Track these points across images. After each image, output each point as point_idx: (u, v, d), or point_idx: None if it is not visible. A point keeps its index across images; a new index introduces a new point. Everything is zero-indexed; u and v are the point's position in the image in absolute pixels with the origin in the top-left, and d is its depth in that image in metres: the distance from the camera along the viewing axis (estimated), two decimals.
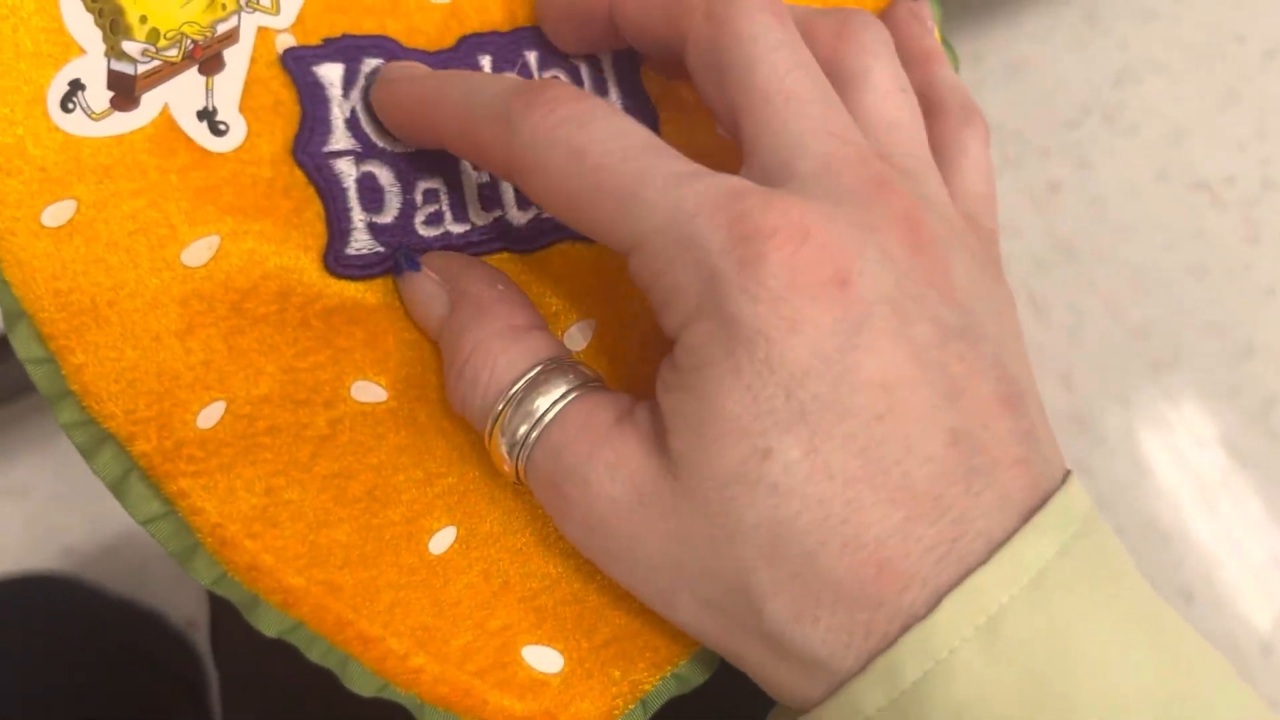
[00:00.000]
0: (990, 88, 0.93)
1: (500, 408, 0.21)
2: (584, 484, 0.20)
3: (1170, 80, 0.95)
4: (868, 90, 0.22)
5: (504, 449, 0.21)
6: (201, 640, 0.66)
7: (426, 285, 0.22)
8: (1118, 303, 0.91)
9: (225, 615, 0.41)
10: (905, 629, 0.18)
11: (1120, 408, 0.89)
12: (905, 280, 0.19)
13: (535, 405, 0.20)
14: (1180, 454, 0.88)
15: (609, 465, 0.19)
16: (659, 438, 0.19)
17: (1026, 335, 0.21)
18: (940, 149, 0.23)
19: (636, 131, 0.19)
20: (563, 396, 0.20)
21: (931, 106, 0.24)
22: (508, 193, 0.24)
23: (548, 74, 0.25)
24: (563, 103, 0.19)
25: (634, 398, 0.21)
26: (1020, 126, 0.93)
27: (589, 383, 0.21)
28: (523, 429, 0.20)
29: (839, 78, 0.22)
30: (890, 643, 0.18)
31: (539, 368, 0.21)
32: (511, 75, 0.22)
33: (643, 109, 0.25)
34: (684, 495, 0.19)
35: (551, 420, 0.20)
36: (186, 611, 0.72)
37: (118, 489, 0.21)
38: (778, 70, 0.20)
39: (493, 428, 0.21)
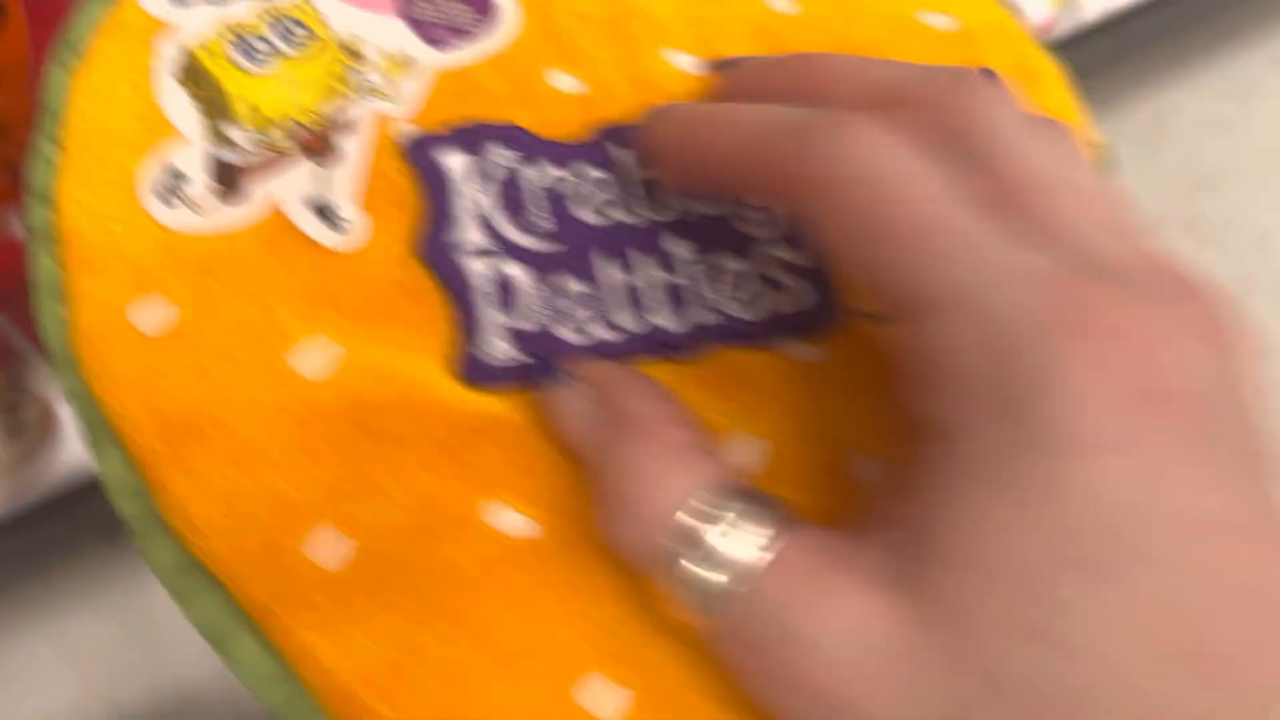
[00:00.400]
0: None
1: (673, 545, 0.17)
2: (810, 652, 0.16)
3: (1248, 187, 0.93)
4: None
5: (683, 595, 0.17)
6: None
7: (573, 399, 0.19)
8: None
9: None
10: None
11: None
12: (1217, 397, 0.16)
13: (728, 549, 0.17)
14: None
15: (839, 626, 0.16)
16: (900, 575, 0.16)
17: None
18: None
19: (967, 180, 0.17)
20: (768, 540, 0.17)
21: None
22: (661, 297, 0.21)
23: None
24: (884, 129, 0.17)
25: (843, 535, 0.17)
26: None
27: (788, 519, 0.17)
28: (713, 577, 0.17)
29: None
30: None
31: (725, 499, 0.17)
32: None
33: None
34: (948, 652, 0.15)
35: (753, 569, 0.17)
36: None
37: (221, 643, 0.17)
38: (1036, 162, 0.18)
39: (667, 568, 0.17)
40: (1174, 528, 0.15)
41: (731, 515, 0.17)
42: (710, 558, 0.17)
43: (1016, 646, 0.15)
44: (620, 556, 0.19)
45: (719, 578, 0.17)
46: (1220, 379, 0.16)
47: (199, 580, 0.17)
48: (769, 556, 0.17)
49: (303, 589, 0.17)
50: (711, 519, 0.17)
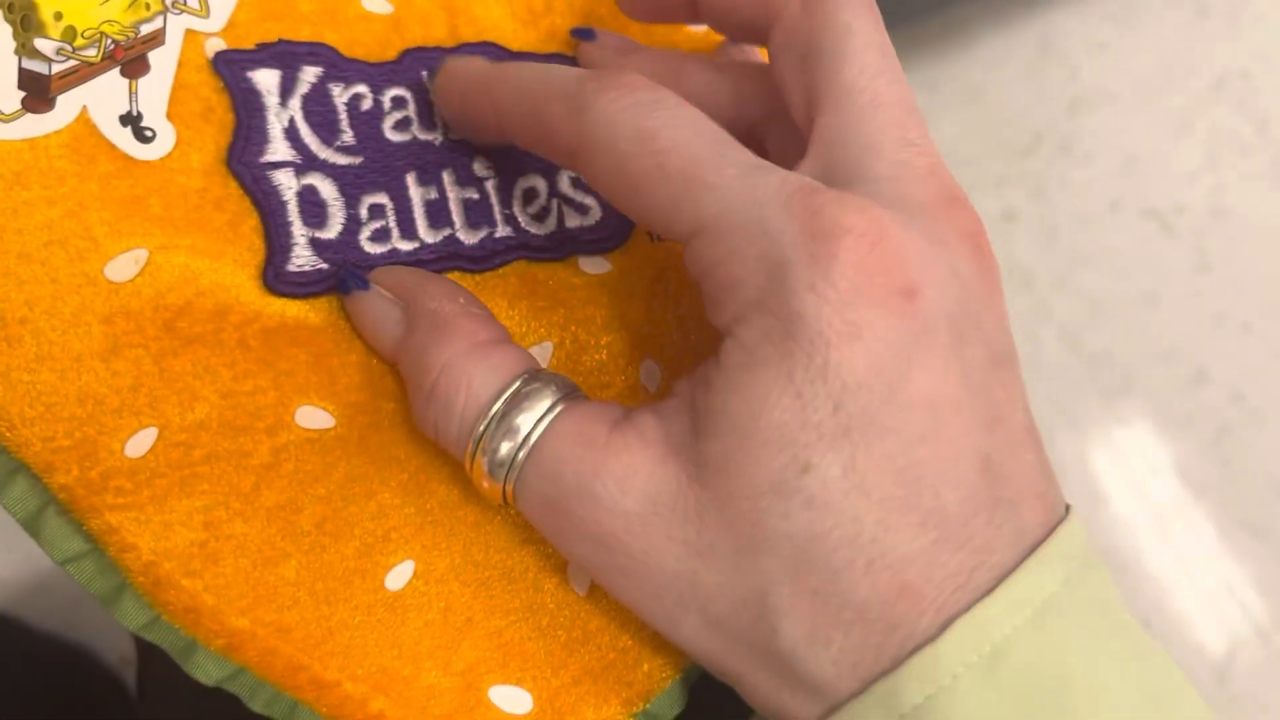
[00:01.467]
0: (945, 116, 0.93)
1: (482, 428, 0.19)
2: (592, 500, 0.19)
3: (1122, 109, 0.96)
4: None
5: (486, 470, 0.19)
6: (134, 679, 0.64)
7: (378, 304, 0.21)
8: (1072, 331, 0.91)
9: (154, 660, 0.39)
10: (912, 654, 0.17)
11: (1075, 435, 0.89)
12: (967, 299, 0.18)
13: (519, 422, 0.19)
14: (1135, 482, 0.88)
15: (618, 478, 0.19)
16: (678, 442, 0.19)
17: None
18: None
19: (706, 122, 0.19)
20: (548, 410, 0.19)
21: None
22: (457, 210, 0.23)
23: None
24: (637, 88, 0.19)
25: (622, 405, 0.20)
26: (974, 155, 0.93)
27: (572, 393, 0.20)
28: (506, 448, 0.19)
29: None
30: (895, 666, 0.17)
31: (517, 382, 0.20)
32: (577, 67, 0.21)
33: None
34: (711, 502, 0.18)
35: (540, 437, 0.19)
36: (119, 649, 0.69)
37: (32, 525, 0.19)
38: (866, 69, 0.20)
39: (474, 450, 0.20)
40: (905, 403, 0.17)
41: (529, 397, 0.19)
42: (507, 432, 0.19)
43: (770, 501, 0.18)
44: (416, 446, 0.21)
45: (509, 445, 0.19)
46: (966, 280, 0.18)
47: (9, 467, 0.19)
48: (548, 421, 0.19)
49: (109, 475, 0.19)
50: (515, 401, 0.19)
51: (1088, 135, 0.95)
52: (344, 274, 0.21)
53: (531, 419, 0.19)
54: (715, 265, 0.18)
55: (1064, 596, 0.18)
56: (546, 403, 0.19)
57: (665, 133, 0.18)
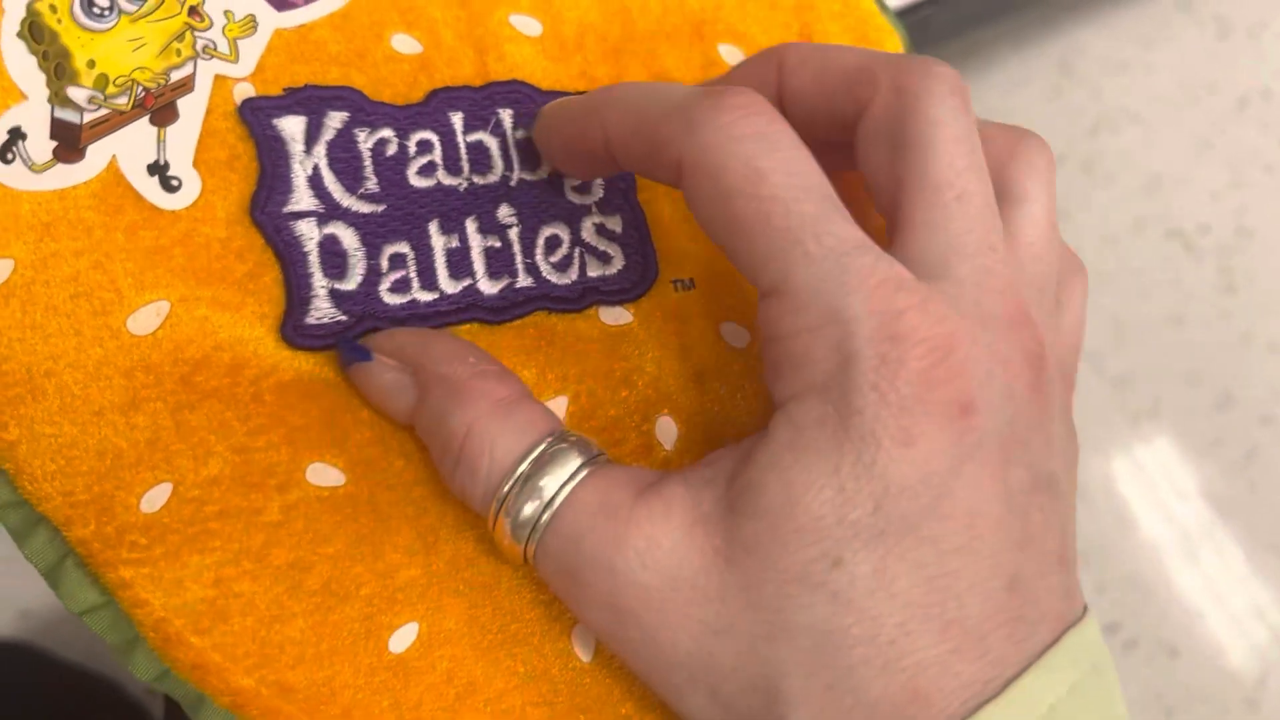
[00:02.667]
0: None
1: (506, 489, 0.19)
2: (610, 572, 0.19)
3: (1144, 130, 0.95)
4: (1026, 217, 0.21)
5: (509, 531, 0.19)
6: (158, 709, 0.64)
7: (384, 374, 0.20)
8: (1096, 353, 0.90)
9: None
10: None
11: (1100, 458, 0.88)
12: (1018, 421, 0.19)
13: (542, 484, 0.19)
14: (1161, 505, 0.87)
15: (638, 551, 0.18)
16: (707, 516, 0.18)
17: None
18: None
19: (817, 174, 0.19)
20: (572, 476, 0.19)
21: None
22: (479, 259, 0.22)
23: (521, 133, 0.23)
24: (753, 113, 0.18)
25: (644, 471, 0.20)
26: None
27: (596, 457, 0.20)
28: (529, 509, 0.19)
29: (1002, 194, 0.21)
30: None
31: (543, 445, 0.20)
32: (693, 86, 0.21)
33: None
34: (735, 583, 0.18)
35: (563, 503, 0.19)
36: (143, 681, 0.69)
37: (52, 577, 0.19)
38: (955, 165, 0.19)
39: (498, 510, 0.19)
40: (946, 514, 0.18)
41: (554, 459, 0.19)
42: (531, 495, 0.19)
43: (795, 590, 0.17)
44: (425, 505, 0.21)
45: (533, 507, 0.19)
46: (1021, 403, 0.19)
47: (30, 517, 0.19)
48: (570, 487, 0.19)
49: (124, 530, 0.19)
50: (540, 464, 0.19)
51: (1110, 155, 0.94)
52: (342, 347, 0.21)
53: (555, 483, 0.19)
54: (789, 335, 0.18)
55: (1069, 703, 0.18)
56: (572, 467, 0.19)
57: (777, 179, 0.18)
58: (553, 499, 0.19)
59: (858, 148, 0.21)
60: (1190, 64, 0.97)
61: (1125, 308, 0.91)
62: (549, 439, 0.20)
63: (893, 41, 0.29)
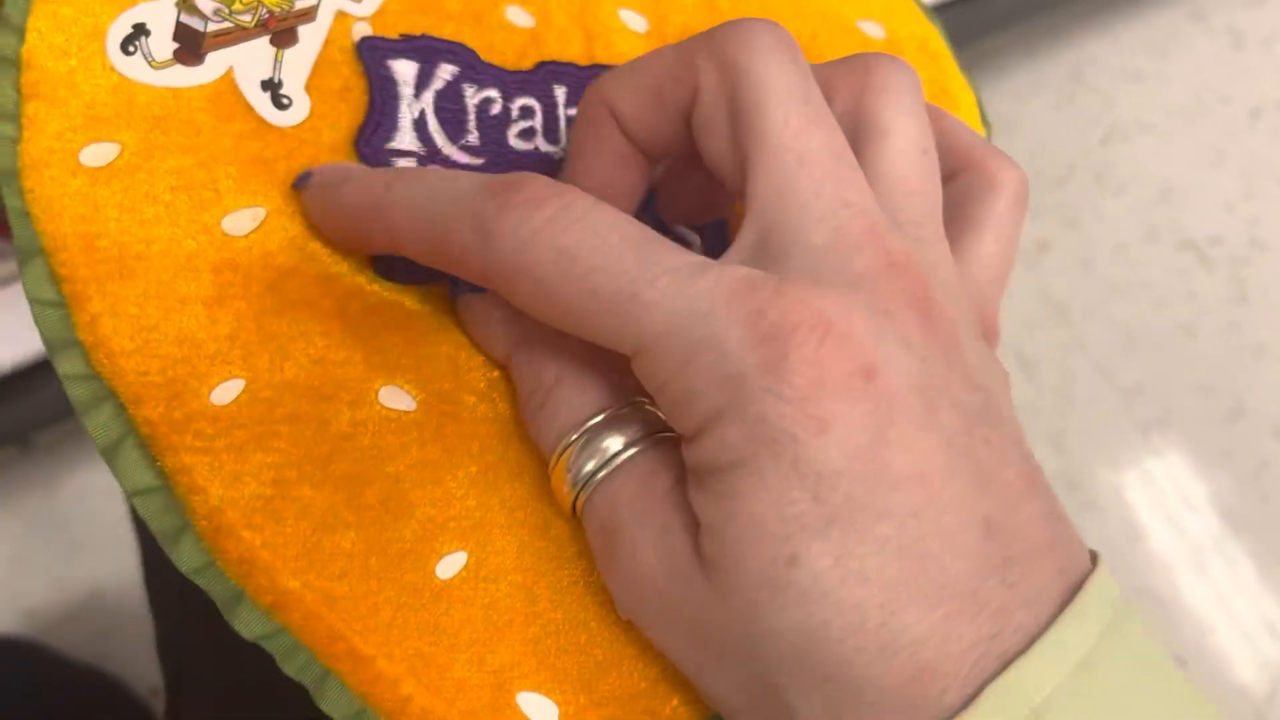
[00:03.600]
0: None
1: (573, 438, 0.20)
2: (632, 546, 0.19)
3: (1157, 140, 0.95)
4: (888, 149, 0.20)
5: (568, 480, 0.20)
6: (162, 709, 0.64)
7: (494, 312, 0.21)
8: (1108, 363, 0.90)
9: (181, 691, 0.39)
10: None
11: (1110, 470, 0.88)
12: (926, 365, 0.18)
13: (606, 444, 0.19)
14: (1172, 517, 0.87)
15: (657, 532, 0.19)
16: (692, 525, 0.18)
17: (1016, 396, 0.21)
18: (961, 211, 0.22)
19: (626, 225, 0.18)
20: (633, 443, 0.19)
21: (957, 161, 0.23)
22: None
23: None
24: (542, 201, 0.18)
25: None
26: None
27: (659, 432, 0.20)
28: (589, 465, 0.20)
29: (859, 130, 0.20)
30: None
31: (615, 408, 0.20)
32: (475, 174, 0.20)
33: None
34: (714, 593, 0.18)
35: (617, 468, 0.19)
36: (149, 679, 0.69)
37: (110, 452, 0.19)
38: (790, 123, 0.19)
39: (560, 456, 0.20)
40: (892, 483, 0.17)
41: (621, 425, 0.20)
42: (593, 450, 0.20)
43: (762, 595, 0.17)
44: (490, 443, 0.21)
45: (592, 464, 0.19)
46: (919, 348, 0.18)
47: (99, 393, 0.19)
48: (626, 455, 0.19)
49: (191, 417, 0.19)
50: (608, 424, 0.20)
51: (1122, 166, 0.94)
52: (454, 282, 0.21)
53: (617, 444, 0.19)
54: (668, 381, 0.18)
55: (1102, 650, 0.17)
56: (633, 435, 0.20)
57: (586, 250, 0.18)
58: (611, 459, 0.19)
59: (698, 141, 0.20)
60: (1203, 74, 0.97)
61: (1136, 318, 0.91)
62: (627, 404, 0.20)
63: (966, 99, 0.29)
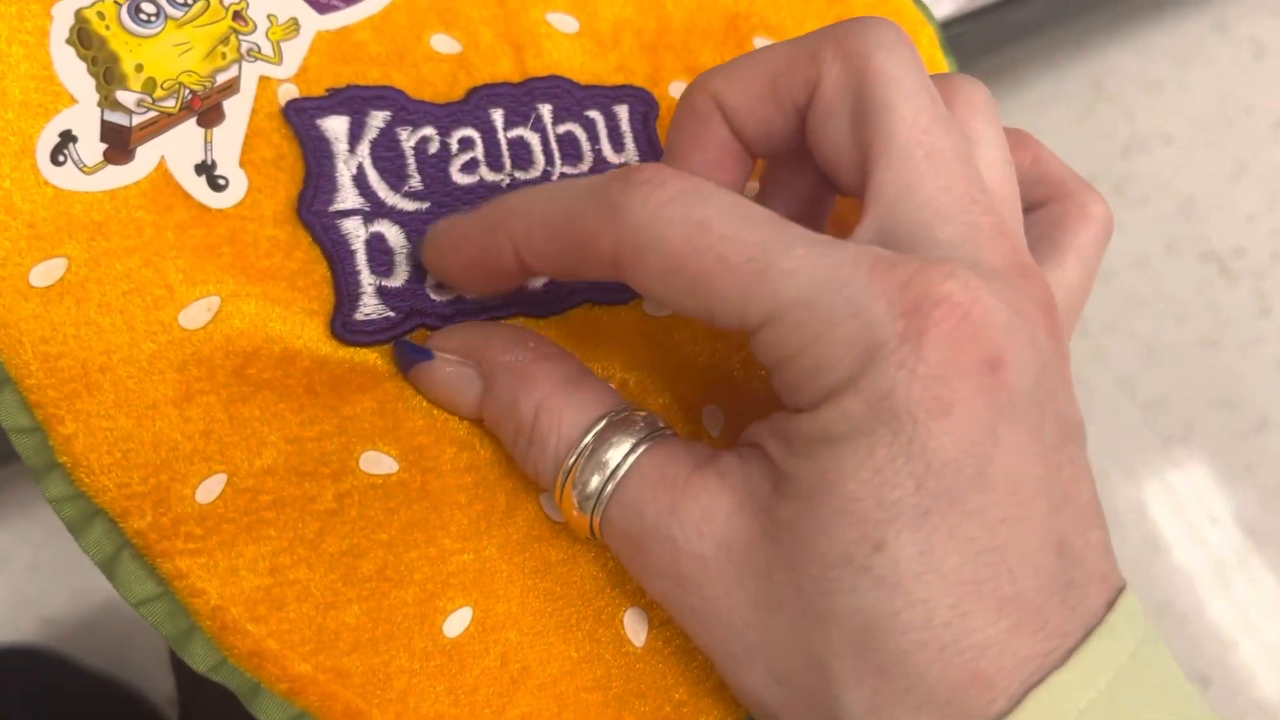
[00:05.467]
0: None
1: (571, 462, 0.20)
2: (669, 541, 0.19)
3: (1178, 151, 0.95)
4: (980, 158, 0.20)
5: (575, 502, 0.20)
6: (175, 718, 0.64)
7: (446, 369, 0.21)
8: (1129, 376, 0.89)
9: (196, 700, 0.38)
10: None
11: (1132, 484, 0.87)
12: (1044, 370, 0.18)
13: (607, 457, 0.19)
14: (1194, 532, 0.86)
15: (694, 521, 0.18)
16: (755, 491, 0.18)
17: None
18: (1049, 236, 0.23)
19: (752, 205, 0.18)
20: (634, 448, 0.19)
21: (1050, 190, 0.23)
22: None
23: (562, 128, 0.24)
24: (667, 179, 0.18)
25: (711, 447, 0.20)
26: None
27: (658, 430, 0.20)
28: (594, 481, 0.19)
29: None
30: None
31: (606, 419, 0.20)
32: (594, 176, 0.20)
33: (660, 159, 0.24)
34: (781, 562, 0.18)
35: (625, 474, 0.19)
36: (166, 689, 0.69)
37: (109, 568, 0.19)
38: (920, 120, 0.19)
39: (564, 482, 0.20)
40: (990, 484, 0.17)
41: (616, 432, 0.20)
42: (596, 467, 0.19)
43: (838, 573, 0.17)
44: (477, 492, 0.21)
45: (598, 479, 0.19)
46: (1044, 352, 0.18)
47: (87, 510, 0.19)
48: (633, 459, 0.19)
49: (180, 521, 0.19)
50: (604, 436, 0.20)
51: (1143, 177, 0.94)
52: (400, 349, 0.21)
53: (619, 454, 0.19)
54: (797, 352, 0.18)
55: (1132, 668, 0.18)
56: (633, 439, 0.20)
57: (718, 222, 0.17)
58: (616, 470, 0.19)
59: (812, 133, 0.20)
60: (1225, 85, 0.96)
61: (1158, 331, 0.90)
62: (612, 413, 0.20)
63: (926, 34, 0.29)
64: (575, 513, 0.20)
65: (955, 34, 0.69)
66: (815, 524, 0.17)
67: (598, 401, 0.20)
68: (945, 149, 0.19)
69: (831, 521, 0.17)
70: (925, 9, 0.29)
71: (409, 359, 0.21)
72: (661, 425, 0.20)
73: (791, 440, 0.18)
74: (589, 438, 0.20)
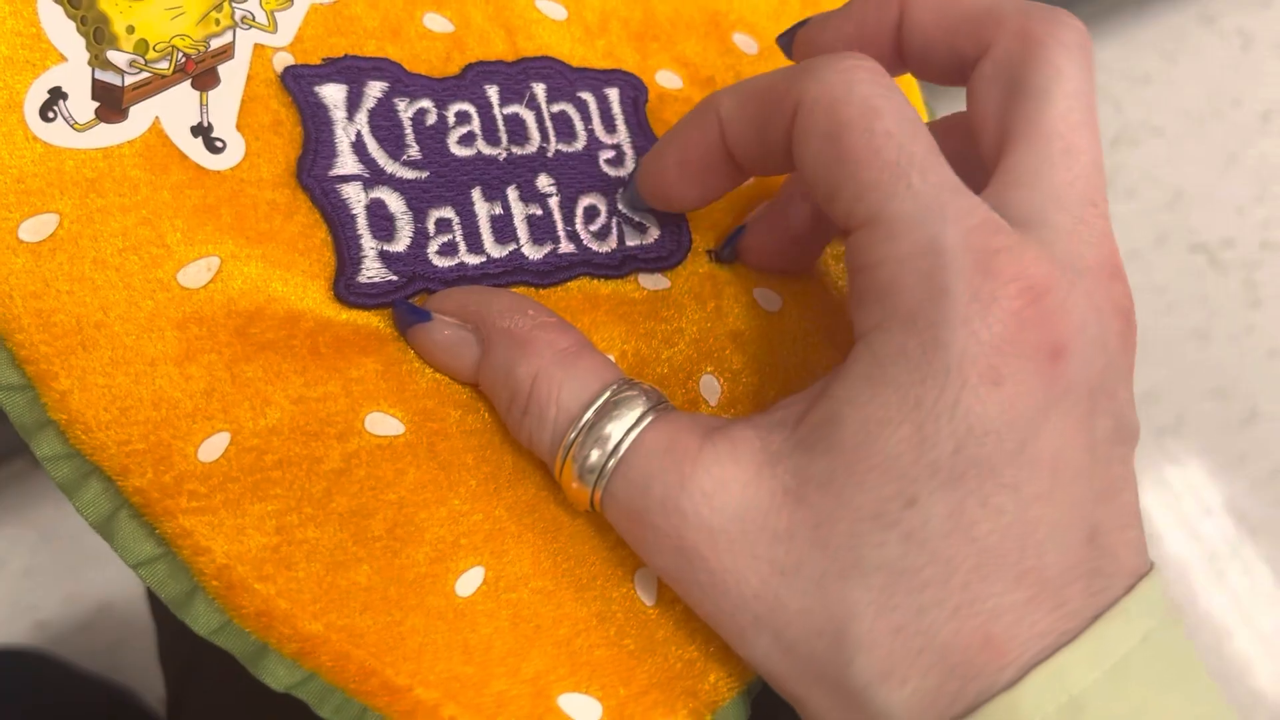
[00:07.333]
0: None
1: (573, 436, 0.19)
2: (678, 514, 0.19)
3: (1166, 143, 0.95)
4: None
5: (576, 476, 0.20)
6: None
7: (444, 331, 0.21)
8: None
9: (185, 703, 0.38)
10: (988, 701, 0.17)
11: None
12: (1109, 371, 0.18)
13: (609, 431, 0.19)
14: (1187, 522, 0.87)
15: (706, 493, 0.18)
16: (776, 455, 0.18)
17: None
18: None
19: (924, 127, 0.18)
20: (639, 420, 0.19)
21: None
22: (521, 226, 0.23)
23: (555, 107, 0.24)
24: (869, 67, 0.19)
25: (716, 417, 0.20)
26: None
27: (662, 403, 0.20)
28: (595, 456, 0.19)
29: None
30: (969, 713, 0.17)
31: (608, 392, 0.20)
32: None
33: (650, 144, 0.25)
34: (806, 521, 0.18)
35: (629, 448, 0.19)
36: (159, 690, 0.69)
37: (105, 528, 0.19)
38: (1069, 118, 0.19)
39: (564, 457, 0.20)
40: (1030, 461, 0.17)
41: (619, 406, 0.19)
42: (597, 441, 0.19)
43: (868, 527, 0.17)
44: (485, 453, 0.21)
45: (599, 454, 0.19)
46: (1112, 353, 0.18)
47: (82, 468, 0.19)
48: (637, 433, 0.19)
49: (182, 479, 0.19)
50: (605, 410, 0.19)
51: (1132, 169, 0.94)
52: (399, 310, 0.21)
53: (622, 428, 0.19)
54: (879, 264, 0.18)
55: (1143, 652, 0.18)
56: (637, 412, 0.19)
57: (891, 117, 0.18)
58: (619, 445, 0.19)
59: (971, 88, 0.21)
60: (1213, 77, 0.97)
61: (1149, 323, 0.91)
62: (614, 386, 0.20)
63: None
64: (575, 485, 0.20)
65: None
66: (850, 476, 0.17)
67: (598, 373, 0.20)
68: (1084, 151, 0.19)
69: (866, 475, 0.17)
70: None
71: (407, 320, 0.21)
72: (662, 399, 0.20)
73: (835, 384, 0.18)
74: (589, 413, 0.19)
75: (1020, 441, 0.17)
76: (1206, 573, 0.85)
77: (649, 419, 0.19)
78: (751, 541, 0.18)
